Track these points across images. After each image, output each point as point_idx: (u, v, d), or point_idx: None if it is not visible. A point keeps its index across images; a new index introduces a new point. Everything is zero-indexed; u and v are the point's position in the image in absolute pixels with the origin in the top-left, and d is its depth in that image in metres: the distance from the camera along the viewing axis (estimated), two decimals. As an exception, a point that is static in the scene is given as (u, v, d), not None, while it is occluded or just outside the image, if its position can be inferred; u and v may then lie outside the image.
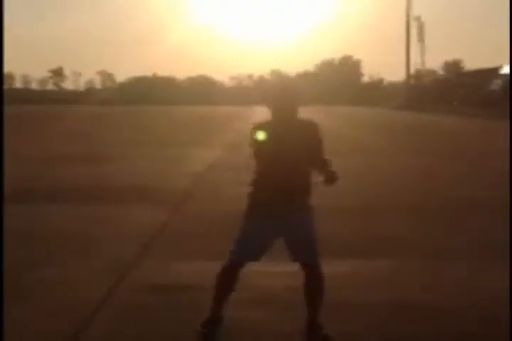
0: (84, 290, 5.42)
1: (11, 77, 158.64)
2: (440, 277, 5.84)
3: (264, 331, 4.51)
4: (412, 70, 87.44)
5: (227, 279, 4.27)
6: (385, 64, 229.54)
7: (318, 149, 4.19)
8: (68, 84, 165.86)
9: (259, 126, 4.16)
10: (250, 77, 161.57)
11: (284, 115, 4.09)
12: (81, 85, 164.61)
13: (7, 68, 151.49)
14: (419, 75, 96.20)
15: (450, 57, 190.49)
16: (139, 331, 4.54)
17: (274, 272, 5.70)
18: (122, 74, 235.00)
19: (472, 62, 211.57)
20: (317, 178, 4.23)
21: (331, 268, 5.93)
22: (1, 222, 7.21)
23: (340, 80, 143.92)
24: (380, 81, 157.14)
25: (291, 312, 4.71)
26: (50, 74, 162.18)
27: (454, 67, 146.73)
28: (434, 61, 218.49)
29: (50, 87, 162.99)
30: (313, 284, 4.27)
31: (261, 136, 4.04)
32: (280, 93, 4.08)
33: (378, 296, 5.24)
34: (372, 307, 4.95)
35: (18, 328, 4.55)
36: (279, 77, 4.02)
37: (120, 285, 5.57)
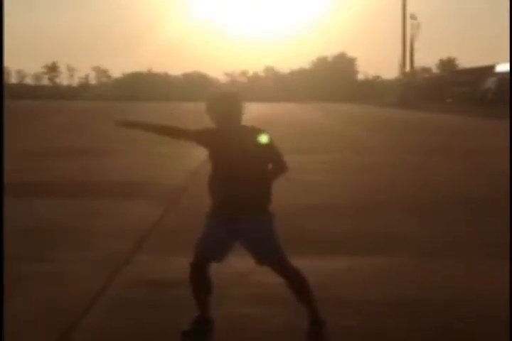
0: (78, 285, 5.40)
1: (6, 72, 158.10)
2: (437, 274, 5.82)
3: (263, 328, 4.49)
4: (408, 68, 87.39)
5: (196, 278, 4.28)
6: (380, 61, 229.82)
7: (269, 153, 4.17)
8: (63, 80, 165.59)
9: (211, 129, 4.26)
10: (244, 73, 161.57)
11: (226, 125, 4.15)
12: (76, 81, 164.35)
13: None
14: (413, 73, 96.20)
15: (445, 55, 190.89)
16: (132, 326, 4.52)
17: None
18: (117, 70, 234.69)
19: (467, 60, 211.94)
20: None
21: (325, 265, 5.97)
22: (0, 217, 7.19)
23: (335, 78, 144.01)
24: (375, 78, 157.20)
25: (289, 308, 4.70)
26: (44, 70, 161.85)
27: (448, 65, 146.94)
28: (429, 59, 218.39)
29: (44, 82, 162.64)
30: (293, 283, 4.28)
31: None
32: (219, 106, 4.14)
33: (375, 293, 5.23)
34: (368, 304, 4.94)
35: (12, 322, 4.53)
36: (215, 93, 4.08)
37: (114, 280, 5.56)
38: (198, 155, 16.50)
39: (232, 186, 4.11)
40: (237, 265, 5.40)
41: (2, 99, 26.13)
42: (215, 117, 4.16)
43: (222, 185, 4.17)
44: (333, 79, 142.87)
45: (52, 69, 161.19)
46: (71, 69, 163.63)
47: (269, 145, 4.14)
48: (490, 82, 70.80)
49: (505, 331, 4.40)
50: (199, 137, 4.31)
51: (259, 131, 4.14)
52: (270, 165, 4.21)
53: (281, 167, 4.21)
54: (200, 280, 4.29)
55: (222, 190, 4.17)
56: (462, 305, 4.97)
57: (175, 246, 6.75)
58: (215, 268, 4.41)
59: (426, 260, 6.32)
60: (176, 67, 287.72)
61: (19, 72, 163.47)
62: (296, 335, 4.35)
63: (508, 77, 60.01)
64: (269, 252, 4.19)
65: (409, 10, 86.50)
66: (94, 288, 5.28)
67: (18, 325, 4.56)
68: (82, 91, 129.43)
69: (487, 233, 7.49)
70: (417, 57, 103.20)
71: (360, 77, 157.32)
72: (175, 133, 4.45)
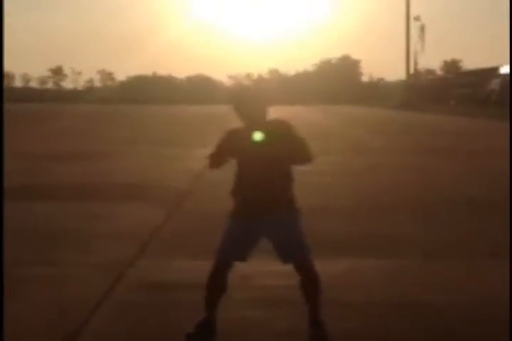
0: (81, 288, 5.39)
1: (11, 75, 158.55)
2: (440, 275, 5.81)
3: (266, 331, 4.48)
4: (412, 70, 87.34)
5: (217, 280, 4.26)
6: (384, 63, 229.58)
7: (297, 145, 4.10)
8: (68, 83, 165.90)
9: (234, 131, 4.20)
10: (249, 76, 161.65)
11: (253, 120, 4.10)
12: (81, 84, 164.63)
13: (7, 67, 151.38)
14: (417, 75, 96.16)
15: (449, 56, 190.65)
16: (135, 328, 4.52)
17: (276, 271, 5.69)
18: (122, 73, 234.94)
19: (471, 62, 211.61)
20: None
21: (329, 266, 5.95)
22: (1, 220, 7.20)
23: (339, 80, 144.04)
24: (379, 80, 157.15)
25: (292, 311, 4.70)
26: (49, 73, 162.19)
27: (452, 67, 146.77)
28: (433, 61, 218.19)
29: (49, 85, 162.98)
30: (309, 284, 4.27)
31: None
32: (244, 100, 4.10)
33: (377, 294, 5.22)
34: (371, 306, 4.94)
35: (13, 326, 4.53)
36: (239, 86, 4.12)
37: (117, 284, 5.55)
38: (202, 157, 16.52)
39: (260, 185, 4.07)
40: (240, 268, 5.38)
41: (2, 102, 26.21)
42: (243, 114, 4.11)
43: (249, 185, 4.12)
44: (338, 81, 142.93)
45: (57, 72, 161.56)
46: (76, 73, 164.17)
47: (296, 136, 4.09)
48: (494, 84, 70.77)
49: (508, 332, 4.39)
50: (229, 144, 4.19)
51: (285, 123, 4.11)
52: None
53: (304, 155, 4.13)
54: (218, 284, 4.27)
55: (249, 189, 4.12)
56: (465, 306, 4.96)
57: (177, 249, 6.75)
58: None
59: (429, 261, 6.31)
60: (179, 70, 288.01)
61: (24, 76, 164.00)
62: (299, 338, 4.34)
63: (513, 78, 59.95)
64: (304, 256, 4.18)
65: (413, 12, 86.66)
66: (97, 291, 5.28)
67: (21, 328, 4.55)
68: (86, 94, 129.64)
69: (490, 234, 7.47)
70: (421, 58, 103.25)
71: (365, 79, 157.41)
72: (223, 154, 4.25)
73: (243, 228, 4.16)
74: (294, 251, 4.19)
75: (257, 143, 4.05)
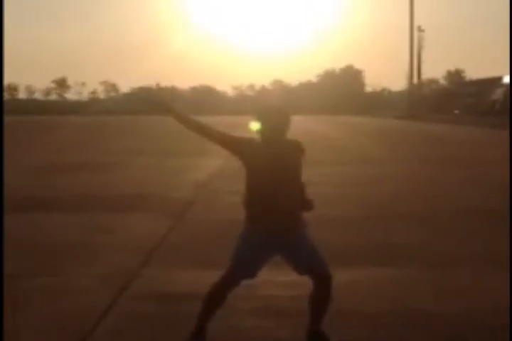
0: (87, 299, 5.40)
1: (15, 87, 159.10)
2: (443, 285, 5.81)
3: (268, 340, 4.48)
4: (415, 80, 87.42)
5: (222, 295, 4.21)
6: (387, 73, 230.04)
7: (301, 169, 4.19)
8: (72, 95, 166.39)
9: (253, 140, 4.18)
10: (252, 86, 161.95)
11: (274, 139, 4.11)
12: (84, 95, 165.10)
13: (11, 79, 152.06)
14: (421, 85, 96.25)
15: (452, 66, 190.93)
16: (142, 338, 4.53)
17: (278, 281, 5.69)
18: (125, 84, 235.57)
19: (474, 72, 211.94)
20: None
21: (334, 276, 5.94)
22: (1, 231, 7.21)
23: (343, 90, 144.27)
24: (383, 90, 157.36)
25: (295, 321, 4.69)
26: (53, 85, 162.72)
27: (456, 77, 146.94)
28: (436, 70, 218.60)
29: (53, 97, 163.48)
30: (323, 295, 4.24)
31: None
32: (270, 121, 4.10)
33: (381, 304, 5.21)
34: (375, 315, 4.93)
35: (17, 337, 4.54)
36: (266, 108, 4.04)
37: (122, 294, 5.55)
38: (205, 167, 16.54)
39: (277, 200, 4.04)
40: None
41: (1, 114, 26.37)
42: (265, 131, 4.11)
43: (265, 199, 4.07)
44: (341, 92, 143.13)
45: (61, 84, 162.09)
46: (79, 84, 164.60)
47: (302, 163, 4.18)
48: (497, 93, 70.82)
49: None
50: (239, 146, 4.17)
51: (301, 145, 4.19)
52: None
53: (304, 190, 4.27)
54: (222, 297, 4.22)
55: (265, 203, 4.07)
56: (472, 314, 4.95)
57: (182, 260, 6.75)
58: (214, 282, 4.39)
59: (435, 270, 6.30)
60: (183, 81, 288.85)
61: (28, 88, 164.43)
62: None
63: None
64: (324, 266, 4.17)
65: (417, 22, 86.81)
66: (103, 302, 5.28)
67: (29, 338, 4.55)
68: (90, 105, 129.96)
69: (494, 243, 7.45)
70: (424, 68, 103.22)
71: (368, 89, 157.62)
72: (216, 135, 4.24)
73: (261, 244, 4.10)
74: (316, 266, 4.16)
75: (277, 158, 4.06)
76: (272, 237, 4.09)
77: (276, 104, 4.38)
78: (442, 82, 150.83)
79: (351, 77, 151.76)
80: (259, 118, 4.12)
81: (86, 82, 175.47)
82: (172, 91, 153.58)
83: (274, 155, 4.06)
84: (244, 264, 4.13)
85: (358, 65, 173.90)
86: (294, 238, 4.12)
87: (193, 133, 4.25)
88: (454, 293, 5.55)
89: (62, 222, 8.93)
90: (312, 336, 4.29)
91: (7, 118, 37.86)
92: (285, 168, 4.07)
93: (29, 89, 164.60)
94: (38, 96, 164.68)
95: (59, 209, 9.95)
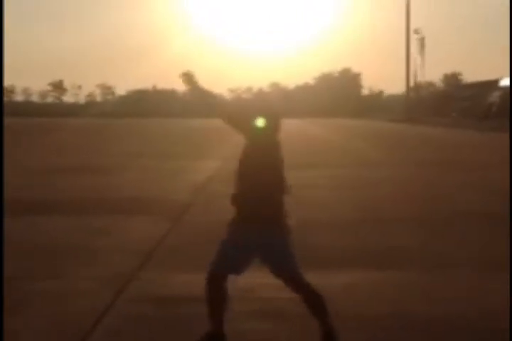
0: (85, 301, 5.39)
1: (12, 90, 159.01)
2: (442, 289, 5.80)
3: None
4: (412, 83, 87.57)
5: (212, 293, 4.23)
6: (384, 76, 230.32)
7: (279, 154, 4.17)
8: (68, 97, 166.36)
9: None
10: (249, 89, 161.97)
11: (261, 140, 4.12)
12: (81, 98, 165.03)
13: (8, 81, 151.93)
14: (418, 88, 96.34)
15: (449, 69, 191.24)
16: (139, 342, 4.54)
17: (277, 284, 5.68)
18: (122, 87, 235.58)
19: (471, 75, 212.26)
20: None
21: (331, 280, 5.95)
22: (1, 233, 7.21)
23: (340, 93, 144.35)
24: (380, 93, 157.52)
25: (294, 324, 4.69)
26: (50, 88, 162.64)
27: (453, 80, 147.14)
28: (433, 73, 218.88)
29: (50, 100, 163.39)
30: (309, 298, 4.24)
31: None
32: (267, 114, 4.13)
33: (380, 307, 5.21)
34: (374, 318, 4.93)
35: (20, 338, 4.53)
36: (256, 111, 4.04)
37: (120, 297, 5.54)
38: (203, 169, 16.54)
39: (255, 198, 4.07)
40: (241, 280, 5.38)
41: (1, 117, 26.37)
42: (251, 132, 4.14)
43: (245, 196, 4.12)
44: (338, 95, 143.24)
45: (58, 86, 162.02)
46: (76, 87, 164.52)
47: (283, 160, 4.16)
48: (494, 96, 70.93)
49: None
50: (242, 114, 4.20)
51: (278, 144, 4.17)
52: None
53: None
54: (214, 296, 4.22)
55: (245, 201, 4.12)
56: (467, 319, 4.94)
57: (180, 262, 6.74)
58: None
59: (434, 273, 6.30)
60: (181, 84, 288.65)
61: (25, 90, 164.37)
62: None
63: (513, 91, 60.13)
64: (291, 267, 4.18)
65: (413, 25, 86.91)
66: (101, 305, 5.27)
67: (29, 339, 4.55)
68: (87, 108, 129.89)
69: (493, 246, 7.46)
70: (421, 71, 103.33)
71: (365, 92, 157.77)
72: (225, 104, 4.33)
73: (237, 240, 4.15)
74: (291, 265, 4.18)
75: (258, 156, 4.06)
76: (252, 231, 4.09)
77: (270, 104, 4.33)
78: (439, 85, 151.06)
79: (348, 80, 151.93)
80: (256, 116, 4.13)
81: (83, 85, 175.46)
82: (169, 94, 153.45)
83: (255, 152, 4.09)
84: (223, 256, 4.18)
85: (355, 68, 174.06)
86: (273, 240, 4.12)
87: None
88: (453, 296, 5.55)
89: (60, 224, 8.92)
90: (323, 336, 4.28)
91: (5, 120, 37.83)
92: (262, 165, 4.06)
93: (26, 92, 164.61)
94: (34, 98, 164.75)
95: (58, 212, 9.94)
